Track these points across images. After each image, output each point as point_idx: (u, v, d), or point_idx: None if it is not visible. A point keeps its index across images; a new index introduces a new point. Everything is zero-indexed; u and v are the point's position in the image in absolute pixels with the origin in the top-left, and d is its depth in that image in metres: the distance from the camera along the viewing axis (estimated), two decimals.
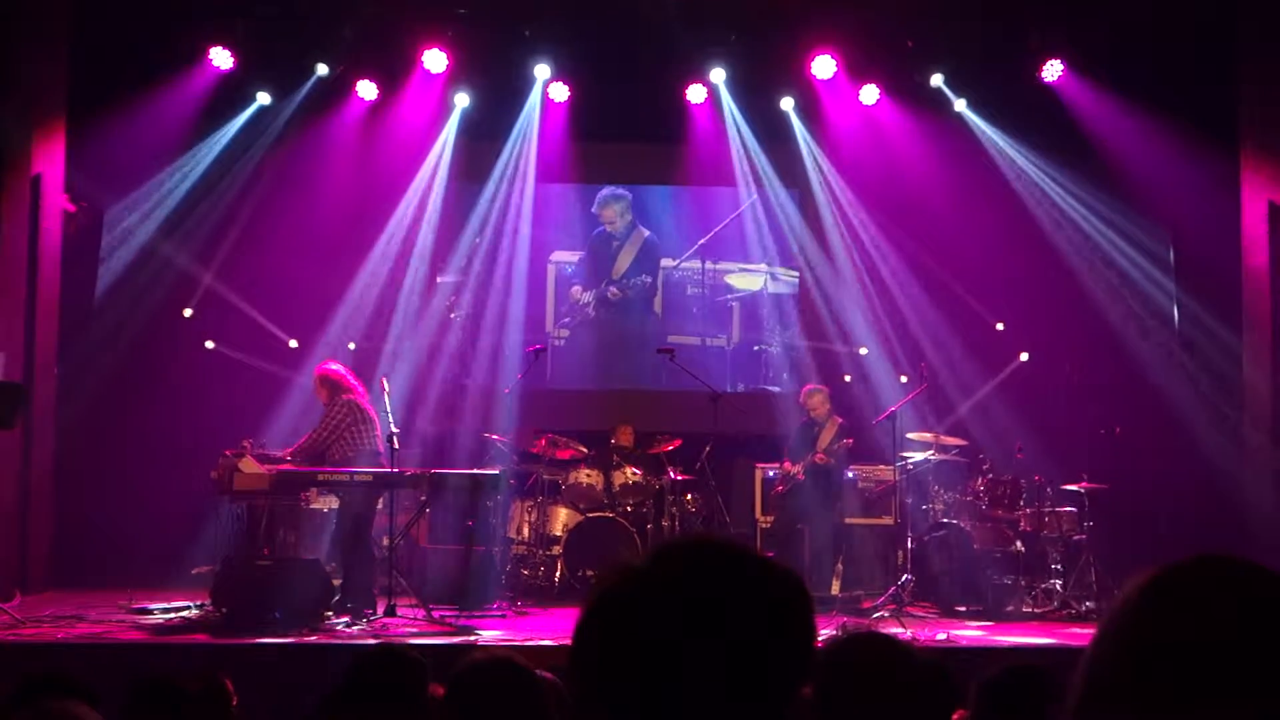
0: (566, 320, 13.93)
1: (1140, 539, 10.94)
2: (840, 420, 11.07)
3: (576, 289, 14.00)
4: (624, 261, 13.96)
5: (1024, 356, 12.57)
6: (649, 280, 13.94)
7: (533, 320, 13.54)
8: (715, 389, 11.04)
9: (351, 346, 12.58)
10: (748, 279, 13.99)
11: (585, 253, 14.06)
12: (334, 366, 10.03)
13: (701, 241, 13.83)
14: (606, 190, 13.86)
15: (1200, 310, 12.05)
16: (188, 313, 12.54)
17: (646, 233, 13.95)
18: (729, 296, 14.05)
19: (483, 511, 10.54)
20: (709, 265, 13.95)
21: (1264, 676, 1.27)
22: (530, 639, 8.39)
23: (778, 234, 13.72)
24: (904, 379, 12.54)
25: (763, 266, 13.85)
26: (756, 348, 13.94)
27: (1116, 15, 11.91)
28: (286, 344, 12.63)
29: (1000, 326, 12.92)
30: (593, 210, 13.88)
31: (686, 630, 1.43)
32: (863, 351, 13.03)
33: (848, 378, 12.97)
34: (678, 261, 13.93)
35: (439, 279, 13.37)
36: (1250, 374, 11.30)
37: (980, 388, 12.47)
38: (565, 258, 14.08)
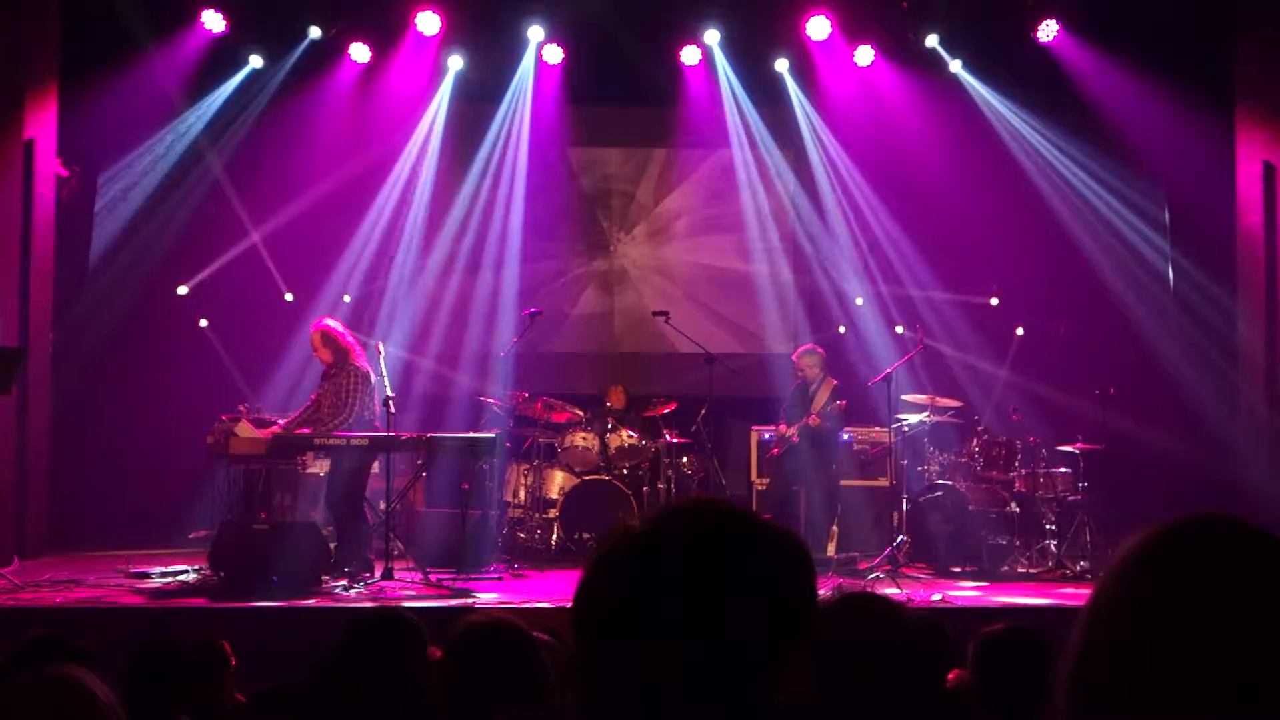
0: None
1: (1135, 499, 10.95)
2: (835, 382, 11.04)
3: None
4: None
5: (1020, 331, 12.58)
6: None
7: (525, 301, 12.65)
8: (710, 351, 11.04)
9: (347, 299, 12.52)
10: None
11: None
12: (334, 324, 9.77)
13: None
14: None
15: (1195, 270, 12.04)
16: (182, 290, 12.48)
17: None
18: None
19: (479, 475, 10.54)
20: None
21: (1261, 635, 1.28)
22: (527, 601, 8.43)
23: None
24: (900, 329, 12.55)
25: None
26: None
27: None
28: (283, 297, 12.59)
29: (994, 301, 12.88)
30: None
31: (687, 593, 1.43)
32: (858, 302, 13.00)
33: (842, 329, 12.96)
34: None
35: (439, 234, 13.10)
36: (1245, 333, 11.32)
37: (975, 350, 12.49)
38: None
